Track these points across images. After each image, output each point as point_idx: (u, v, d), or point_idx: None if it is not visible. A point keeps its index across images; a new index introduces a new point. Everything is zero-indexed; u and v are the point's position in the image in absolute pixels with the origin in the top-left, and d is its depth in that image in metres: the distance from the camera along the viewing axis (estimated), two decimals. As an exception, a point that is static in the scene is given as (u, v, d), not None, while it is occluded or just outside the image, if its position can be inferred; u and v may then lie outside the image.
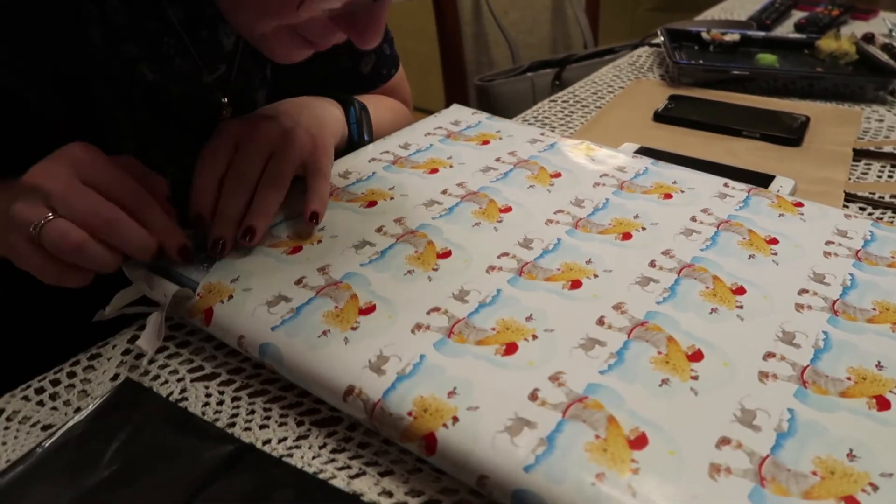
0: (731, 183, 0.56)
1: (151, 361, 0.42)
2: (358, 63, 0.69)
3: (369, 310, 0.40)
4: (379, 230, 0.48)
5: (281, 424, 0.38)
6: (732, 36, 1.00)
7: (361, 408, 0.35)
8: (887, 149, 0.72)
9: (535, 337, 0.38)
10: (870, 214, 0.60)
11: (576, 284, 0.43)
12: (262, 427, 0.38)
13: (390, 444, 0.37)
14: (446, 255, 0.46)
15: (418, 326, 0.39)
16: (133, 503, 0.32)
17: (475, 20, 1.34)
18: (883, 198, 0.62)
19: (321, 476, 0.35)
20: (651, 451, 0.31)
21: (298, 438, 0.37)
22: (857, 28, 1.18)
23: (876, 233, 0.49)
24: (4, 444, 0.36)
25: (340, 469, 0.35)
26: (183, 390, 0.40)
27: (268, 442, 0.37)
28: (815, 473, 0.31)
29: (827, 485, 0.30)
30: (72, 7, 0.45)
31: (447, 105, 0.75)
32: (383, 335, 0.39)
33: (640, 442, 0.32)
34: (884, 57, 0.98)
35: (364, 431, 0.37)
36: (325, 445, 0.37)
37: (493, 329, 0.39)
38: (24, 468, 0.34)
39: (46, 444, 0.35)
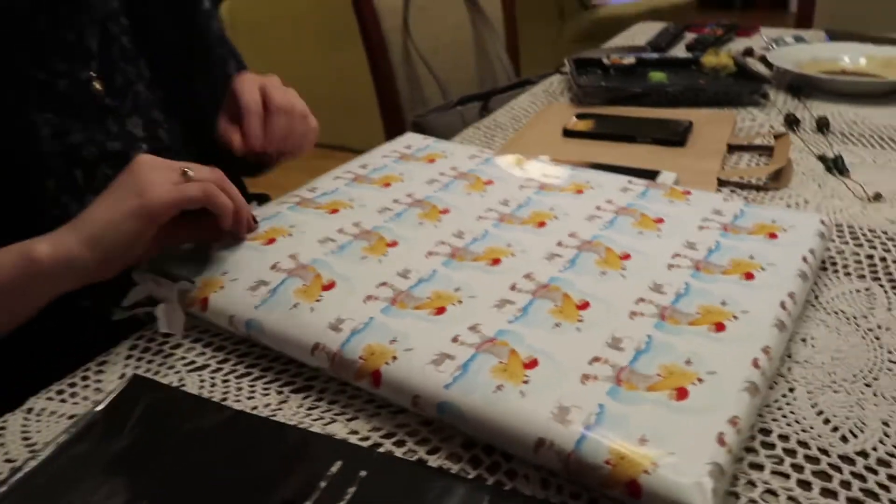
0: (634, 180, 0.68)
1: (150, 361, 0.50)
2: (225, 68, 0.78)
3: (330, 286, 0.51)
4: (339, 230, 0.59)
5: (265, 394, 0.47)
6: (629, 59, 1.14)
7: (325, 358, 0.45)
8: (756, 142, 0.85)
9: (460, 302, 0.49)
10: (738, 195, 0.73)
11: (496, 261, 0.54)
12: (249, 398, 0.47)
13: (355, 397, 0.46)
14: (394, 244, 0.57)
15: (369, 297, 0.50)
16: (153, 464, 0.41)
17: (405, 63, 1.47)
18: (749, 181, 0.75)
19: (301, 426, 0.44)
20: (540, 369, 0.42)
21: (280, 403, 0.46)
22: (741, 45, 1.34)
23: (745, 210, 0.61)
24: (39, 432, 0.45)
25: (316, 420, 0.45)
26: (181, 380, 0.49)
27: (255, 408, 0.46)
28: (659, 375, 0.41)
29: (666, 381, 0.41)
30: None
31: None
32: (342, 305, 0.49)
33: (532, 364, 0.42)
34: (759, 67, 1.13)
35: (332, 392, 0.47)
36: (301, 405, 0.46)
37: (428, 298, 0.49)
38: (67, 438, 0.42)
39: (80, 425, 0.43)
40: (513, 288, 0.50)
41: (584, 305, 0.48)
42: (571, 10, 2.71)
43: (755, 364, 0.42)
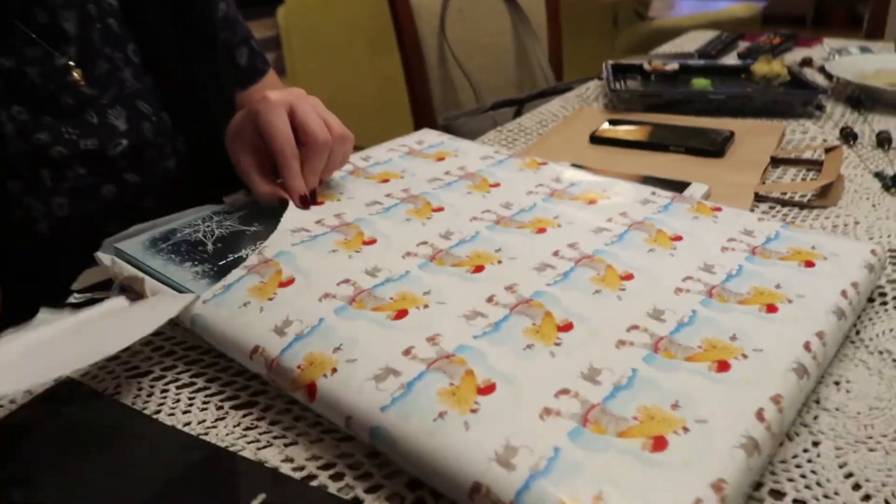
0: (658, 191, 0.60)
1: (93, 364, 0.46)
2: (233, 55, 0.74)
3: (288, 282, 0.46)
4: (318, 222, 0.54)
5: (203, 409, 0.42)
6: (672, 65, 1.06)
7: (262, 364, 0.40)
8: (805, 156, 0.76)
9: (426, 306, 0.43)
10: (778, 212, 0.64)
11: (478, 269, 0.47)
12: (185, 412, 0.42)
13: (300, 419, 0.40)
14: (371, 242, 0.51)
15: (326, 295, 0.44)
16: (60, 477, 0.36)
17: (440, 65, 1.42)
18: (793, 198, 0.66)
19: (232, 448, 0.38)
20: (495, 396, 0.35)
21: (217, 420, 0.41)
22: (799, 55, 1.24)
23: (781, 232, 0.52)
24: (-49, 435, 0.40)
25: (250, 442, 0.39)
26: (118, 386, 0.44)
27: (188, 424, 0.41)
28: (635, 419, 0.34)
29: (642, 427, 0.33)
30: None
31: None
32: (294, 304, 0.44)
33: (487, 389, 0.35)
34: (816, 78, 1.03)
35: (276, 411, 0.41)
36: (239, 424, 0.40)
37: (392, 298, 0.44)
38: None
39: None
40: (490, 300, 0.44)
41: (567, 327, 0.41)
42: (626, 20, 2.62)
43: (760, 416, 0.34)
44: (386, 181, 0.63)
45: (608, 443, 0.32)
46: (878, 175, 0.70)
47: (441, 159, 0.68)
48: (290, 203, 0.56)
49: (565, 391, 0.36)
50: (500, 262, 0.48)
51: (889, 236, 0.59)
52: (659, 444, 0.32)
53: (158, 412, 0.42)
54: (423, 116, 1.39)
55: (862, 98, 0.94)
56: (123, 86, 0.62)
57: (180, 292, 0.47)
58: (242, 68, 0.76)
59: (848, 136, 0.81)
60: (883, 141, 0.79)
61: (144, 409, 0.42)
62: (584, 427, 0.33)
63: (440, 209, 0.57)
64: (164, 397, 0.43)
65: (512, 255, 0.49)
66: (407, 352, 0.39)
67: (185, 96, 0.67)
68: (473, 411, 0.34)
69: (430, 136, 0.76)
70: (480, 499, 0.30)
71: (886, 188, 0.68)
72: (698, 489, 0.30)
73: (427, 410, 0.34)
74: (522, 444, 0.32)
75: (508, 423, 0.33)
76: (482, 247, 0.50)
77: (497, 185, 0.62)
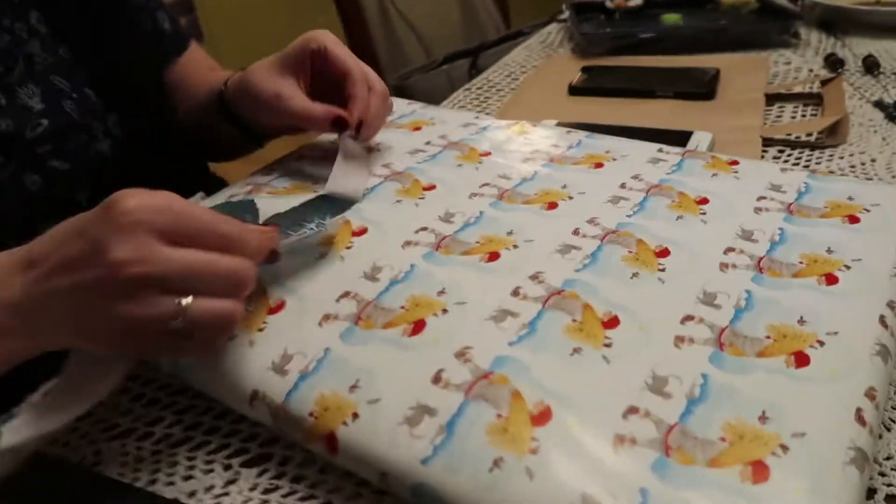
0: (666, 148, 0.54)
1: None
2: (155, 21, 0.65)
3: (278, 308, 0.38)
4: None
5: (207, 471, 0.35)
6: (636, 1, 1.00)
7: (266, 412, 0.34)
8: (797, 89, 0.72)
9: (445, 311, 0.37)
10: (788, 156, 0.60)
11: (493, 256, 0.41)
12: (186, 478, 0.35)
13: (325, 471, 0.34)
14: (362, 232, 0.44)
15: (326, 317, 0.37)
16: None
17: (382, 21, 1.32)
18: (799, 137, 0.62)
19: (254, 521, 0.32)
20: (553, 426, 0.30)
21: (227, 483, 0.34)
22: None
23: (811, 184, 0.47)
24: None
25: (275, 509, 0.33)
26: (97, 453, 0.37)
27: (194, 493, 0.34)
28: (723, 440, 0.29)
29: (734, 450, 0.28)
30: None
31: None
32: (290, 333, 0.37)
33: (543, 417, 0.30)
34: (784, 1, 0.99)
35: (297, 464, 0.35)
36: (255, 487, 0.34)
37: (403, 307, 0.37)
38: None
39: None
40: (516, 293, 0.38)
41: (612, 322, 0.36)
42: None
43: (860, 419, 0.29)
44: None
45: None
46: (879, 104, 0.67)
47: (418, 129, 0.61)
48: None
49: (634, 410, 0.30)
50: (515, 246, 0.42)
51: (911, 172, 0.55)
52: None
53: (153, 481, 0.35)
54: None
55: (834, 21, 0.90)
56: (32, 60, 0.52)
57: None
58: (169, 34, 0.66)
59: (834, 63, 0.77)
60: (871, 66, 0.75)
61: (136, 480, 0.35)
62: (668, 457, 0.28)
63: (431, 187, 0.50)
64: (158, 461, 0.36)
65: (527, 237, 0.43)
66: (437, 378, 0.32)
67: (109, 69, 0.57)
68: (533, 452, 0.29)
69: (398, 105, 0.68)
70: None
71: (891, 118, 0.64)
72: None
73: (480, 458, 0.28)
74: (604, 489, 0.27)
75: (578, 461, 0.28)
76: (491, 230, 0.44)
77: (488, 153, 0.56)
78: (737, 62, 0.81)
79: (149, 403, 0.40)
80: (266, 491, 0.34)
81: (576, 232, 0.44)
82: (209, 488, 0.34)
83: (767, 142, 0.62)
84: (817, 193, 0.46)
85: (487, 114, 0.76)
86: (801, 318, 0.35)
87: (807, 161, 0.59)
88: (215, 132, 0.62)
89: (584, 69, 0.82)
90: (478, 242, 0.43)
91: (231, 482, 0.34)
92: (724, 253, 0.41)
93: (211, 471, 0.35)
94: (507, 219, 0.45)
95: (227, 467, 0.35)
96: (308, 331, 0.37)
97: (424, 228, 0.45)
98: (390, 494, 0.32)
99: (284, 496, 0.33)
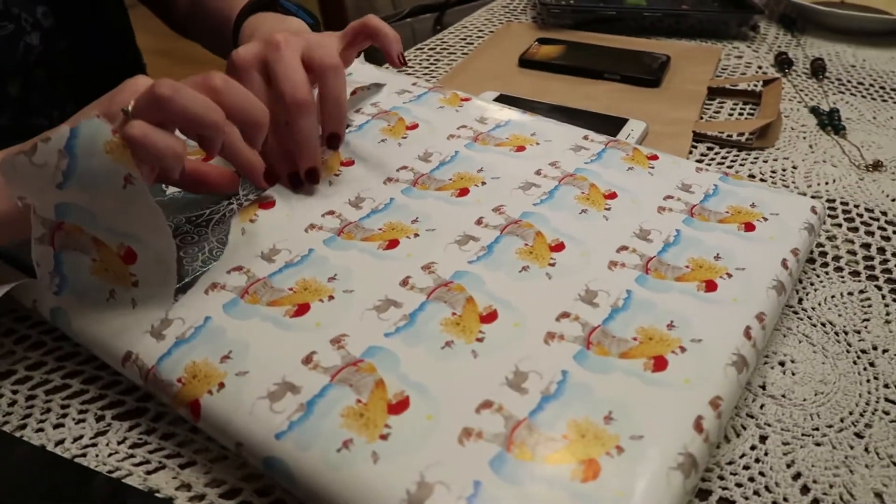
0: (592, 135, 0.54)
1: (-62, 363, 0.38)
2: None
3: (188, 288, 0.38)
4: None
5: (79, 420, 0.35)
6: (604, -26, 0.98)
7: (137, 374, 0.34)
8: (742, 86, 0.73)
9: (331, 298, 0.37)
10: (716, 154, 0.61)
11: (392, 244, 0.41)
12: (57, 425, 0.35)
13: (196, 430, 0.35)
14: (269, 205, 0.44)
15: (213, 286, 0.38)
16: None
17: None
18: (731, 136, 0.63)
19: (115, 474, 0.33)
20: (408, 415, 0.31)
21: (97, 435, 0.35)
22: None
23: (721, 187, 0.48)
24: None
25: (138, 464, 0.33)
26: (-28, 392, 0.37)
27: (62, 441, 0.34)
28: (565, 437, 0.30)
29: (572, 448, 0.29)
30: None
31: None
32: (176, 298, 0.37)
33: (400, 406, 0.31)
34: (750, -8, 0.99)
35: (169, 421, 0.35)
36: (124, 440, 0.34)
37: (291, 289, 0.37)
38: None
39: None
40: (404, 283, 0.38)
41: (490, 317, 0.36)
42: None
43: (698, 427, 0.31)
44: None
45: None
46: (814, 111, 0.67)
47: (353, 93, 0.60)
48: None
49: (488, 404, 0.31)
50: (416, 234, 0.42)
51: (826, 184, 0.57)
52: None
53: (23, 427, 0.35)
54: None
55: (795, 18, 0.90)
56: (28, 49, 0.51)
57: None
58: None
59: (783, 63, 0.77)
60: (817, 70, 0.76)
61: (5, 424, 0.35)
62: (509, 453, 0.29)
63: (350, 162, 0.49)
64: (31, 406, 0.36)
65: (430, 225, 0.43)
66: (308, 360, 0.33)
67: None
68: (384, 437, 0.30)
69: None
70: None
71: (822, 126, 0.65)
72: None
73: (330, 437, 0.29)
74: (440, 480, 0.28)
75: (423, 451, 0.29)
76: (397, 217, 0.44)
77: (415, 125, 0.55)
78: (690, 50, 0.81)
79: (32, 347, 0.39)
80: (134, 445, 0.34)
81: (479, 221, 0.44)
82: (77, 438, 0.34)
83: (699, 137, 0.63)
84: (724, 197, 0.47)
85: (433, 78, 0.75)
86: (672, 322, 0.36)
87: (732, 161, 0.60)
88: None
89: (540, 40, 0.81)
90: (380, 229, 0.43)
91: (101, 433, 0.35)
92: (617, 251, 0.42)
93: (83, 420, 0.35)
94: (416, 206, 0.45)
95: (100, 418, 0.36)
96: (192, 297, 0.37)
97: (332, 213, 0.44)
98: (252, 460, 0.33)
99: (151, 452, 0.34)
